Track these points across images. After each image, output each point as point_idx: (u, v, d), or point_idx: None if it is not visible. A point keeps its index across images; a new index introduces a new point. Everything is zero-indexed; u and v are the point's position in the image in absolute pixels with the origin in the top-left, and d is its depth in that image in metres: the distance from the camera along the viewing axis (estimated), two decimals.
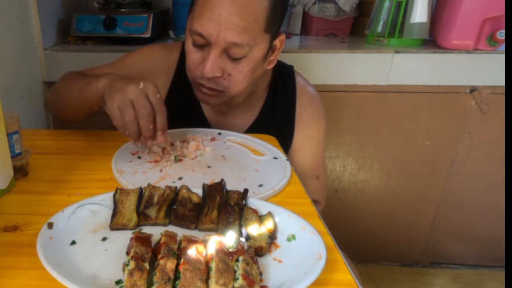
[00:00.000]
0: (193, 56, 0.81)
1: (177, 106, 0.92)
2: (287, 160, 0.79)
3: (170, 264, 0.43)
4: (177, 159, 0.77)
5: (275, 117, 0.98)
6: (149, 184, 0.62)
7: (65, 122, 0.93)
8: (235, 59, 0.78)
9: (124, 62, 0.98)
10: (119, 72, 0.92)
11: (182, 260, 0.44)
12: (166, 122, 0.70)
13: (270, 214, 0.57)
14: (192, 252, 0.45)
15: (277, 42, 0.85)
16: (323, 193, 1.08)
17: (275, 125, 0.97)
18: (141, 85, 0.68)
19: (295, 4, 1.67)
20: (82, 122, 0.92)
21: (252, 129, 0.98)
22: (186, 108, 0.97)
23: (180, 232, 0.52)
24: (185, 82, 0.93)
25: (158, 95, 0.69)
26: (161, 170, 0.73)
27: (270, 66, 0.88)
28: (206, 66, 0.77)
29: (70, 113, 0.90)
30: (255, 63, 0.80)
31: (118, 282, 0.45)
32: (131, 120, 0.67)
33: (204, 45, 0.78)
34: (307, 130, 1.00)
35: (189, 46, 0.81)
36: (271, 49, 0.84)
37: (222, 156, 0.80)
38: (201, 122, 0.98)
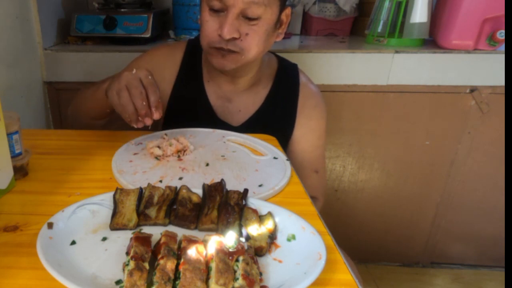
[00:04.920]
0: (210, 23, 0.86)
1: (183, 96, 0.99)
2: (287, 160, 0.79)
3: (170, 264, 0.43)
4: (179, 156, 0.79)
5: (278, 106, 1.01)
6: (149, 184, 0.62)
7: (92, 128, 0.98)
8: (251, 20, 0.83)
9: (133, 66, 1.01)
10: None
11: (182, 260, 0.44)
12: (159, 100, 0.73)
13: (270, 214, 0.57)
14: (192, 252, 0.45)
15: (283, 16, 0.90)
16: (322, 190, 1.08)
17: (278, 114, 1.01)
18: (134, 71, 0.74)
19: (295, 4, 1.67)
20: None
21: (256, 117, 1.00)
22: (192, 97, 1.00)
23: (180, 232, 0.52)
24: (191, 74, 0.99)
25: (150, 77, 0.73)
26: (161, 170, 0.73)
27: (279, 39, 0.94)
28: (224, 28, 0.82)
29: (90, 119, 0.96)
30: (268, 26, 0.86)
31: (118, 282, 0.45)
32: (126, 101, 0.71)
33: (220, 10, 0.84)
34: (309, 120, 1.02)
35: (205, 16, 0.86)
36: (279, 20, 0.89)
37: (222, 156, 0.80)
38: (207, 109, 1.00)
